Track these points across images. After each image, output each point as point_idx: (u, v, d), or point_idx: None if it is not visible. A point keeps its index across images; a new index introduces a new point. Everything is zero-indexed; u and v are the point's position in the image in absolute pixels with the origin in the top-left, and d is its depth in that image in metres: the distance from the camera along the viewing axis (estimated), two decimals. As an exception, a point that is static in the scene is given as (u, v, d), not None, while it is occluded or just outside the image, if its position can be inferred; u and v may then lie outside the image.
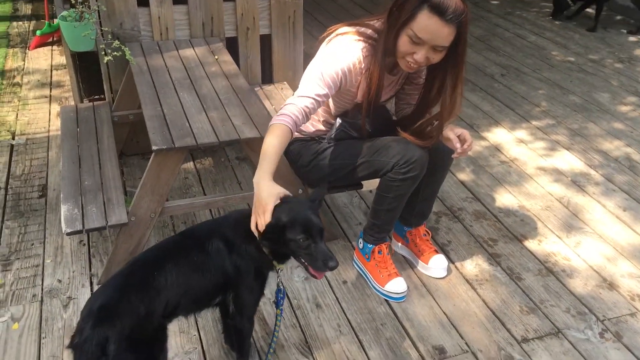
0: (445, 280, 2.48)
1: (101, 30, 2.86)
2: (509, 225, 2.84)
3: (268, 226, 1.67)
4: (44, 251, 2.57)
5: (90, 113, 2.98)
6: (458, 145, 2.11)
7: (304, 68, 2.16)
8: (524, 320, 2.29)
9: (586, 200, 3.06)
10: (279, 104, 3.07)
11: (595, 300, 2.40)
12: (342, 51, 2.09)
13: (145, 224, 2.33)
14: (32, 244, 2.61)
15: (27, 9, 5.98)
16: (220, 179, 3.14)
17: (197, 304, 1.78)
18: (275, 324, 1.96)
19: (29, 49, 4.87)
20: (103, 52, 2.77)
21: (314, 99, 2.02)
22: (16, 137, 3.49)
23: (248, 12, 3.18)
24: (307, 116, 2.01)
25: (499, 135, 3.73)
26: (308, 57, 2.30)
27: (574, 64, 4.90)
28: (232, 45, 3.23)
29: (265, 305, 2.28)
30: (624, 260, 2.63)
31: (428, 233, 2.55)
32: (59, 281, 2.41)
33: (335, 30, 2.15)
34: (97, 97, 3.41)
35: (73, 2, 2.83)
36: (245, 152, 2.64)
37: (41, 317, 2.23)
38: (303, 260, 1.74)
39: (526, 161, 3.43)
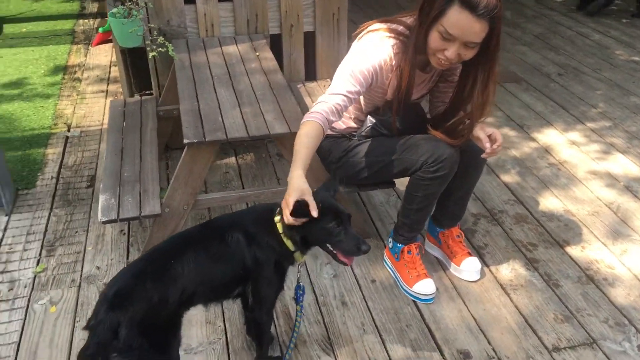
0: (477, 283, 2.41)
1: (148, 26, 2.95)
2: (551, 230, 2.73)
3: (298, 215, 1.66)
4: (86, 239, 2.67)
5: (137, 107, 3.08)
6: (488, 144, 2.05)
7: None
8: (558, 328, 2.20)
9: (638, 207, 2.90)
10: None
11: (637, 311, 2.27)
12: (373, 48, 2.07)
13: (179, 216, 2.38)
14: (76, 232, 2.72)
15: (93, 7, 6.24)
16: (260, 175, 3.17)
17: (215, 293, 1.81)
18: (296, 320, 1.98)
19: (91, 46, 5.08)
20: (149, 48, 2.85)
21: (345, 96, 2.01)
22: (71, 130, 3.65)
23: (292, 9, 3.21)
24: (339, 113, 2.01)
25: (550, 136, 3.59)
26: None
27: (639, 64, 4.66)
28: (276, 43, 3.27)
29: (291, 300, 2.29)
30: (674, 271, 2.48)
31: (462, 235, 2.48)
32: (98, 268, 2.50)
33: (367, 27, 2.14)
34: (147, 92, 3.52)
35: (122, -1, 2.93)
36: (279, 148, 2.66)
37: (77, 301, 2.33)
38: (331, 249, 1.74)
39: (577, 164, 3.29)
